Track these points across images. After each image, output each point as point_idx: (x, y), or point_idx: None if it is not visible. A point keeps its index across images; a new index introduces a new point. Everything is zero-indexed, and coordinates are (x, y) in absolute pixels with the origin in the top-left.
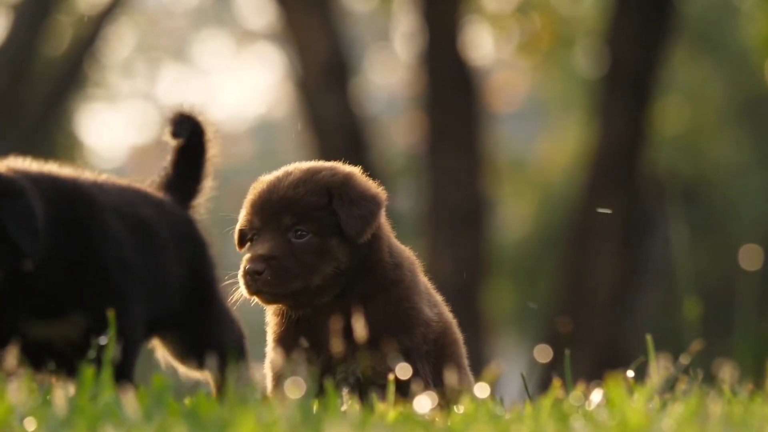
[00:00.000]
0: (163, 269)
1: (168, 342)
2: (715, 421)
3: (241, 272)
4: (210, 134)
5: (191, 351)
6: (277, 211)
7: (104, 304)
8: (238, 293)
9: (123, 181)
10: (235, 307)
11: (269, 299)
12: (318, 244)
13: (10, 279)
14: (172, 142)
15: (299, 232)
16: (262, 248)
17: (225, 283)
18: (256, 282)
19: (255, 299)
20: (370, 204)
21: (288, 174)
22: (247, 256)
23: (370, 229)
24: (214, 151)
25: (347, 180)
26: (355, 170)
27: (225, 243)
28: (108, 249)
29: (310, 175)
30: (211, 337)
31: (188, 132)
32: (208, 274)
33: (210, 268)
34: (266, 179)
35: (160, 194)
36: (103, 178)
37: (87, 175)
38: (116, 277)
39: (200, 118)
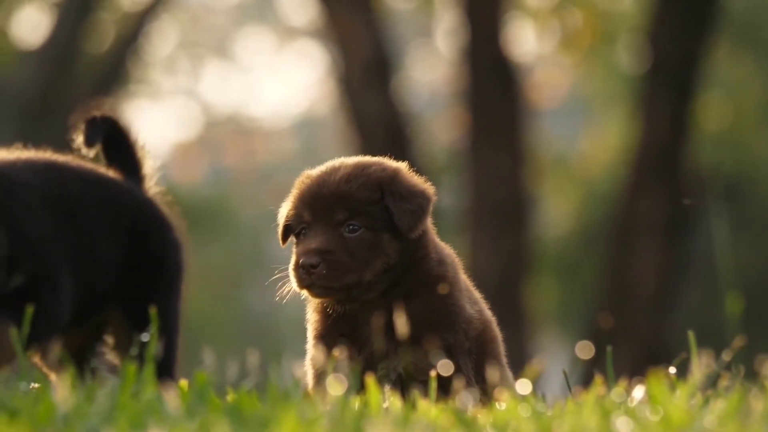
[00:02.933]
0: (91, 246)
1: (108, 322)
2: (757, 418)
3: (292, 266)
4: (126, 129)
5: (124, 333)
6: (329, 205)
7: (31, 284)
8: (288, 287)
9: (59, 157)
10: (284, 302)
11: (321, 293)
12: (370, 239)
13: None
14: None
15: (351, 227)
16: (315, 242)
17: (273, 277)
18: (310, 275)
19: (305, 293)
20: (421, 199)
21: (337, 168)
22: (300, 249)
23: (421, 224)
24: (136, 143)
25: (397, 175)
26: (403, 166)
27: (268, 237)
28: (28, 229)
29: (361, 170)
30: (143, 321)
31: (102, 136)
32: (158, 258)
33: (161, 252)
34: (313, 174)
35: (107, 172)
36: (27, 156)
37: (9, 155)
38: (39, 257)
39: (111, 116)
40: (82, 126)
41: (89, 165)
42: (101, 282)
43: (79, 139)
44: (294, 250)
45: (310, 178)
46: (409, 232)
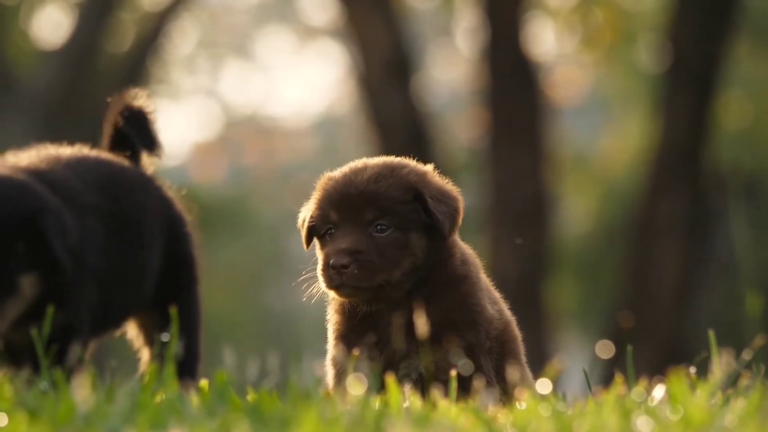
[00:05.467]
0: (142, 263)
1: (139, 324)
2: None
3: (321, 266)
4: (149, 114)
5: (153, 333)
6: (358, 205)
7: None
8: (316, 287)
9: (109, 162)
10: (312, 302)
11: (351, 293)
12: (399, 239)
13: None
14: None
15: (380, 227)
16: (344, 242)
17: (301, 278)
18: (340, 276)
19: (332, 293)
20: (454, 201)
21: (363, 168)
22: (329, 249)
23: (457, 225)
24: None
25: (427, 177)
26: (429, 167)
27: (288, 237)
28: (83, 257)
29: (391, 171)
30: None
31: (152, 132)
32: (184, 254)
33: (186, 248)
34: (337, 175)
35: (142, 173)
36: (78, 160)
37: (61, 155)
38: (79, 285)
39: (137, 105)
40: (134, 132)
41: (125, 163)
42: (146, 287)
43: (135, 140)
44: (319, 251)
45: (333, 180)
46: (449, 235)
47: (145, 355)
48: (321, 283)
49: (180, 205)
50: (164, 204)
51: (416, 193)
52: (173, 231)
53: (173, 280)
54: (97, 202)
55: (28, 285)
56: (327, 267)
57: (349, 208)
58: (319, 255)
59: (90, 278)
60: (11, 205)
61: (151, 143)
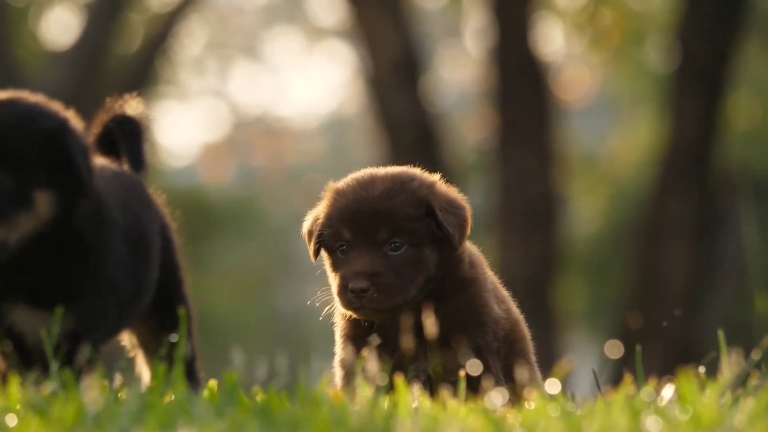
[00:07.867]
0: (150, 274)
1: (136, 330)
2: None
3: (338, 288)
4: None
5: (154, 337)
6: (372, 223)
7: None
8: (337, 308)
9: (120, 174)
10: (329, 320)
11: (370, 315)
12: (413, 256)
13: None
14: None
15: (394, 244)
16: (360, 264)
17: (316, 298)
18: (360, 299)
19: (350, 313)
20: (462, 210)
21: (372, 182)
22: (347, 272)
23: (466, 235)
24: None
25: (437, 189)
26: (437, 177)
27: (297, 238)
28: (102, 273)
29: (401, 185)
30: (171, 324)
31: (143, 149)
32: (174, 260)
33: (174, 253)
34: (346, 189)
35: (139, 181)
36: (108, 180)
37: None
38: (100, 292)
39: (131, 114)
40: (124, 143)
41: (127, 171)
42: (150, 294)
43: (123, 150)
44: (330, 266)
45: (343, 195)
46: (459, 246)
47: (139, 357)
48: (338, 305)
49: (166, 210)
50: (157, 212)
51: (427, 207)
52: (164, 237)
53: (165, 284)
54: (121, 220)
55: (43, 201)
56: (345, 290)
57: (362, 227)
58: (330, 270)
59: (110, 291)
60: (33, 124)
61: (138, 162)
